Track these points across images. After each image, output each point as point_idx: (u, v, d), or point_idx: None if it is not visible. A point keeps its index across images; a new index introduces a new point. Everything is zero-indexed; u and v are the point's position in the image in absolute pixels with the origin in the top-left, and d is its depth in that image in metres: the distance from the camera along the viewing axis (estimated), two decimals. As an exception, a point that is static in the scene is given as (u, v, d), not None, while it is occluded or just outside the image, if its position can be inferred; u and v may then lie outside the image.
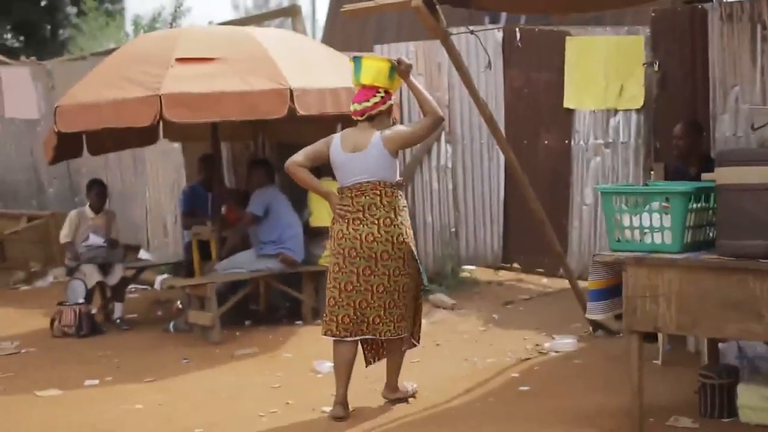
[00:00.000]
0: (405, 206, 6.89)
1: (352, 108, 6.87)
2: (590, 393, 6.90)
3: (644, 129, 9.91)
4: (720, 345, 6.65)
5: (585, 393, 6.92)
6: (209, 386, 7.71)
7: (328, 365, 7.96)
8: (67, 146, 9.77)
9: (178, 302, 10.55)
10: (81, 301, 9.88)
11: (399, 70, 6.74)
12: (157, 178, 13.47)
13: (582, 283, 8.67)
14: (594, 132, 10.22)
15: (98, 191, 10.52)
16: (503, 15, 14.01)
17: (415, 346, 7.19)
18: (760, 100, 8.80)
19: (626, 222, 5.83)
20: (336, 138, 6.93)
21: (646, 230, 5.76)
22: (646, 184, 6.64)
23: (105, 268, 10.21)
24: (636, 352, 5.81)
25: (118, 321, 10.20)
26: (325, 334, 6.84)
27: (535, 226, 8.76)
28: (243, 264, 9.76)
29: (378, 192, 6.73)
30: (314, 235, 10.03)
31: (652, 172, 9.02)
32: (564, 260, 8.67)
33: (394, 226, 6.71)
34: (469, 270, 11.11)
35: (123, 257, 10.54)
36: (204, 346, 9.06)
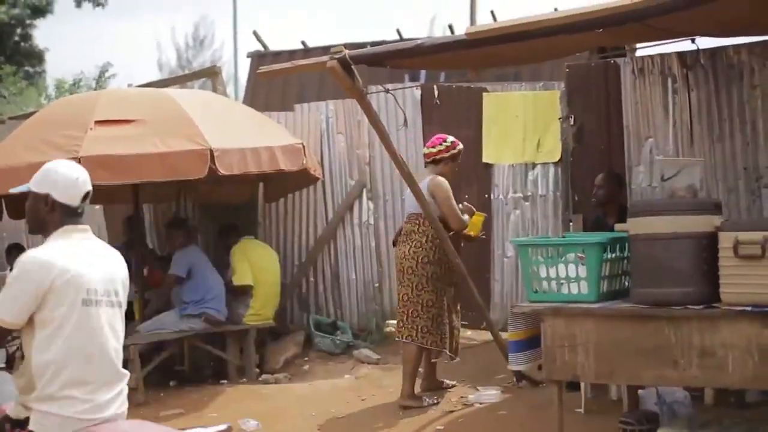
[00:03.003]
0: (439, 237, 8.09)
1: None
2: (514, 443, 6.96)
3: (562, 182, 10.06)
4: (640, 391, 6.74)
5: (509, 444, 6.97)
6: (134, 449, 7.63)
7: (253, 424, 7.96)
8: (-15, 210, 9.70)
9: (102, 365, 10.44)
10: (2, 365, 9.73)
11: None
12: (79, 241, 13.32)
13: (505, 335, 8.76)
14: (513, 186, 10.36)
15: (18, 255, 10.39)
16: (423, 72, 14.14)
17: (452, 359, 8.36)
18: (673, 151, 9.01)
19: (543, 273, 5.93)
20: None
21: (562, 281, 5.87)
22: (563, 236, 6.76)
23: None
24: (557, 401, 5.89)
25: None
26: None
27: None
28: (166, 324, 9.72)
29: (418, 222, 8.21)
30: (237, 294, 10.03)
31: (571, 223, 9.17)
32: (486, 312, 8.75)
33: (422, 249, 8.15)
34: (393, 325, 11.10)
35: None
36: (129, 408, 8.95)
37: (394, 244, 8.64)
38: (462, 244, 8.52)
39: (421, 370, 8.51)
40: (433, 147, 8.34)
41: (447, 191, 8.16)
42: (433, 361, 8.41)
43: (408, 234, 8.28)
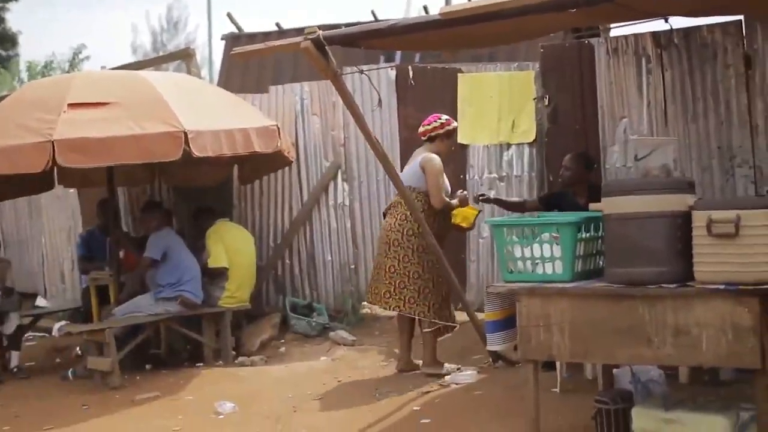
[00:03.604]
0: (425, 212, 8.34)
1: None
2: (490, 423, 6.96)
3: (537, 162, 10.08)
4: (614, 370, 6.77)
5: (485, 423, 6.98)
6: (110, 432, 7.65)
7: (229, 406, 7.96)
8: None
9: (77, 348, 10.43)
10: None
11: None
12: (53, 224, 13.31)
13: (481, 315, 8.78)
14: (488, 166, 10.38)
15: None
16: (398, 53, 14.13)
17: (436, 325, 8.46)
18: (647, 131, 9.03)
19: (518, 253, 5.93)
20: None
21: (537, 261, 5.88)
22: (538, 216, 6.76)
23: (0, 318, 10.06)
24: (532, 380, 5.90)
25: (15, 370, 10.04)
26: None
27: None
28: (142, 308, 9.70)
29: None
30: (213, 277, 10.01)
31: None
32: (461, 293, 8.76)
33: (407, 222, 8.37)
34: (369, 306, 11.15)
35: (18, 305, 10.38)
36: (104, 392, 8.97)
37: (385, 215, 8.79)
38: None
39: (395, 351, 8.53)
40: (429, 124, 8.59)
41: (437, 168, 8.39)
42: (425, 330, 8.52)
43: (395, 206, 8.56)
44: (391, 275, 8.46)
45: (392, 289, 8.46)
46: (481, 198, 8.77)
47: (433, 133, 8.56)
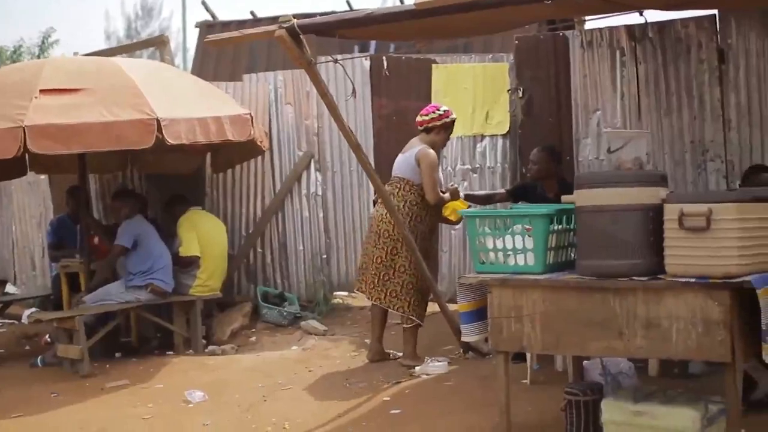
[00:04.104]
0: (418, 205, 8.29)
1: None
2: (461, 414, 6.97)
3: (510, 154, 10.11)
4: (584, 363, 6.79)
5: (455, 414, 6.98)
6: (79, 420, 7.58)
7: (199, 395, 7.94)
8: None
9: (47, 336, 10.38)
10: None
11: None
12: (24, 211, 13.24)
13: (453, 306, 8.79)
14: (461, 157, 10.39)
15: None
16: (373, 43, 14.11)
17: (413, 323, 8.43)
18: (621, 124, 9.07)
19: (490, 244, 5.93)
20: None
21: (509, 252, 5.88)
22: (510, 208, 6.77)
23: (-31, 304, 10.01)
24: (503, 371, 5.90)
25: (-16, 357, 10.00)
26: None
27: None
28: (112, 295, 9.64)
29: (399, 185, 8.34)
30: (184, 265, 9.98)
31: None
32: (433, 284, 8.76)
33: (398, 213, 8.18)
34: (341, 296, 11.15)
35: (-12, 292, 10.33)
36: (73, 380, 8.92)
37: (375, 204, 8.72)
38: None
39: (366, 341, 8.52)
40: (426, 115, 8.42)
41: (432, 162, 8.23)
42: (405, 326, 8.51)
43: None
44: (377, 266, 8.39)
45: (376, 280, 8.40)
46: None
47: (430, 125, 8.39)
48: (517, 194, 8.55)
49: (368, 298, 8.63)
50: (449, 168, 10.36)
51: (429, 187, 8.22)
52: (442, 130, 8.41)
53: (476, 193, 9.18)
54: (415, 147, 8.36)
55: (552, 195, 8.04)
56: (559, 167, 8.63)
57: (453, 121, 8.47)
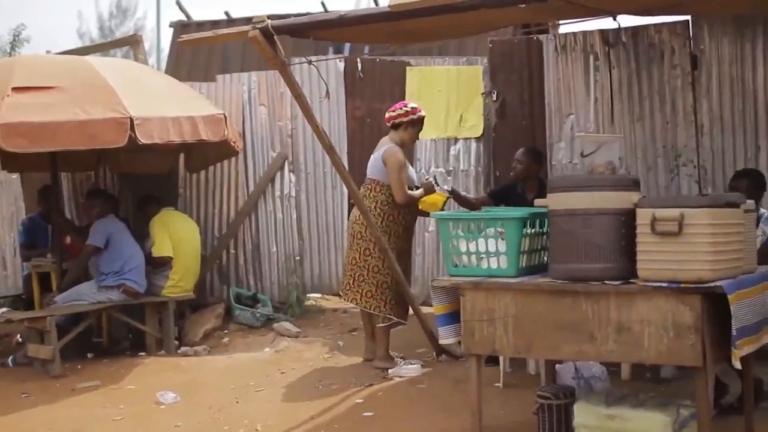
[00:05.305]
0: (389, 204, 8.31)
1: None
2: (433, 416, 6.98)
3: (484, 157, 10.12)
4: (557, 366, 6.81)
5: (428, 416, 6.99)
6: (49, 420, 7.55)
7: (171, 396, 7.91)
8: None
9: (18, 336, 10.32)
10: None
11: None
12: (-5, 210, 13.15)
13: (426, 309, 8.80)
14: (435, 160, 10.39)
15: None
16: (347, 45, 14.11)
17: (390, 321, 8.43)
18: (594, 128, 9.10)
19: (463, 248, 5.94)
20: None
21: (482, 255, 5.89)
22: (483, 211, 6.78)
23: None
24: (475, 375, 5.91)
25: (-46, 356, 9.92)
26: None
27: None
28: (84, 296, 9.59)
29: (371, 187, 8.40)
30: (157, 266, 9.94)
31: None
32: (406, 286, 8.77)
33: (372, 216, 8.19)
34: (314, 298, 11.14)
35: (-41, 291, 10.26)
36: (44, 380, 8.87)
37: (350, 207, 8.76)
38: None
39: (340, 343, 8.52)
40: (393, 111, 8.43)
41: (398, 162, 8.23)
42: (379, 325, 8.49)
43: (361, 199, 8.41)
44: (352, 267, 8.43)
45: (351, 282, 8.44)
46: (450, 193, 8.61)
47: (396, 120, 8.38)
48: (499, 196, 8.52)
49: (345, 300, 8.69)
50: (422, 170, 10.34)
51: (396, 187, 8.24)
52: (410, 126, 8.40)
53: (467, 196, 8.99)
54: (383, 147, 8.39)
55: (532, 195, 8.02)
56: (541, 169, 8.65)
57: (421, 119, 8.46)
